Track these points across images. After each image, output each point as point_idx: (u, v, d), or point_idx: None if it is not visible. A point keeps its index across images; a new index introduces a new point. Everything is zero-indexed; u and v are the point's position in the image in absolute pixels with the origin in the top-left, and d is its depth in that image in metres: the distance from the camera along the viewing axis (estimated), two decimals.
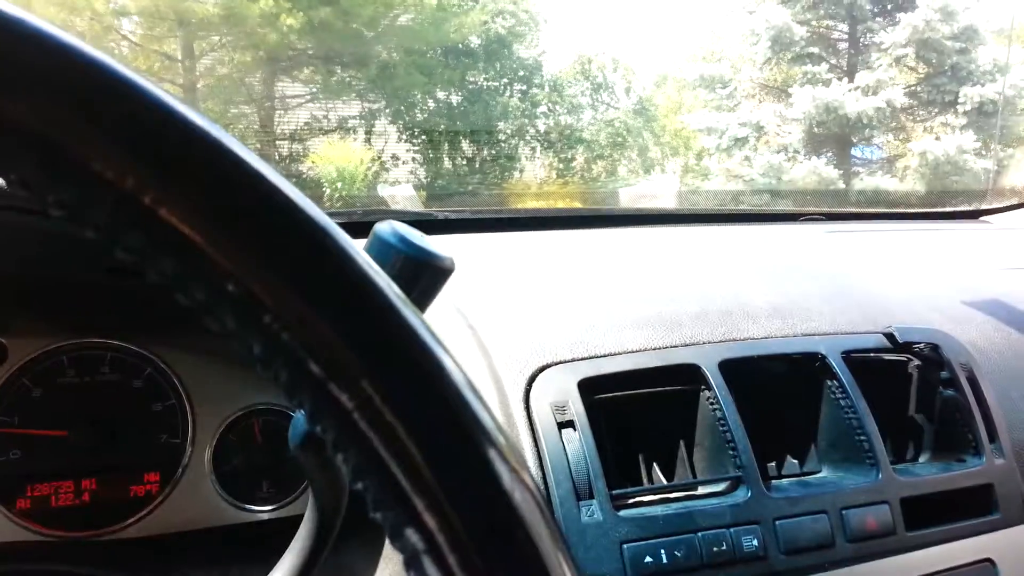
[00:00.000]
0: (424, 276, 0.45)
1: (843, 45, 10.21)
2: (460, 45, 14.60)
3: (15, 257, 0.69)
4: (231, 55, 13.12)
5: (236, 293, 0.23)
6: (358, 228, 1.43)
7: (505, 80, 15.41)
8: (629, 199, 8.61)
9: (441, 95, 15.11)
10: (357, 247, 0.26)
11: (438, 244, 0.46)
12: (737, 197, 9.11)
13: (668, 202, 8.45)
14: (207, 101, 13.08)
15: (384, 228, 0.44)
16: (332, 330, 0.23)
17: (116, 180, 0.23)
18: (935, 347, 0.73)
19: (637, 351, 0.66)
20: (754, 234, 1.28)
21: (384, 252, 0.44)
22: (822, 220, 1.60)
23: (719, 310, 0.73)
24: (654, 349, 0.66)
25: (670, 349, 0.66)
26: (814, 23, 9.97)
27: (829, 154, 9.82)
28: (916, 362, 0.73)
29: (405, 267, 0.43)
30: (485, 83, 15.23)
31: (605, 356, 0.65)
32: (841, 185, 8.97)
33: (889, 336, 0.73)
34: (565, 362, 0.64)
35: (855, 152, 10.22)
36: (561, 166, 16.23)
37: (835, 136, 9.57)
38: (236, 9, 11.06)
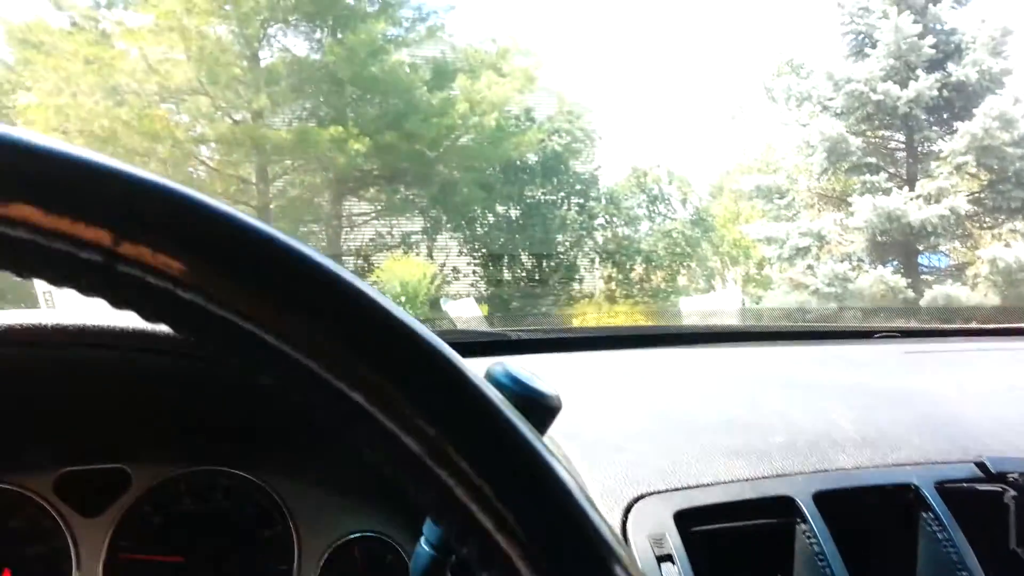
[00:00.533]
0: (534, 414, 0.49)
1: (901, 154, 10.24)
2: (518, 162, 15.06)
3: (143, 392, 0.75)
4: (302, 178, 13.75)
5: (414, 448, 0.28)
6: None
7: (562, 194, 15.75)
8: (692, 311, 8.59)
9: (500, 209, 15.50)
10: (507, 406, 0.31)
11: (544, 383, 0.50)
12: (805, 312, 9.01)
13: (734, 315, 8.38)
14: (279, 221, 13.64)
15: (497, 369, 0.49)
16: (483, 473, 0.28)
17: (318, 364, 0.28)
18: None
19: (730, 482, 0.67)
20: (830, 353, 1.29)
21: (497, 390, 0.48)
22: (897, 337, 1.60)
23: (807, 439, 0.74)
24: (746, 480, 0.68)
25: (762, 480, 0.68)
26: (869, 133, 10.06)
27: (895, 263, 9.71)
28: (1012, 493, 0.73)
29: (515, 404, 0.48)
30: (543, 197, 15.60)
31: (698, 487, 0.66)
32: (910, 293, 8.81)
33: (981, 465, 0.73)
34: (659, 492, 0.66)
35: (922, 260, 10.08)
36: (620, 276, 16.33)
37: (900, 244, 9.48)
38: (307, 135, 11.67)
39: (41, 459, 0.75)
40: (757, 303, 10.29)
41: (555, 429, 0.77)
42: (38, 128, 11.64)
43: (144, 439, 0.79)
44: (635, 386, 0.99)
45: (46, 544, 0.74)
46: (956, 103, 9.51)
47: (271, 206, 13.36)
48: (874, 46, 9.47)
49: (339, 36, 12.50)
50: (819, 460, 0.71)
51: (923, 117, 9.48)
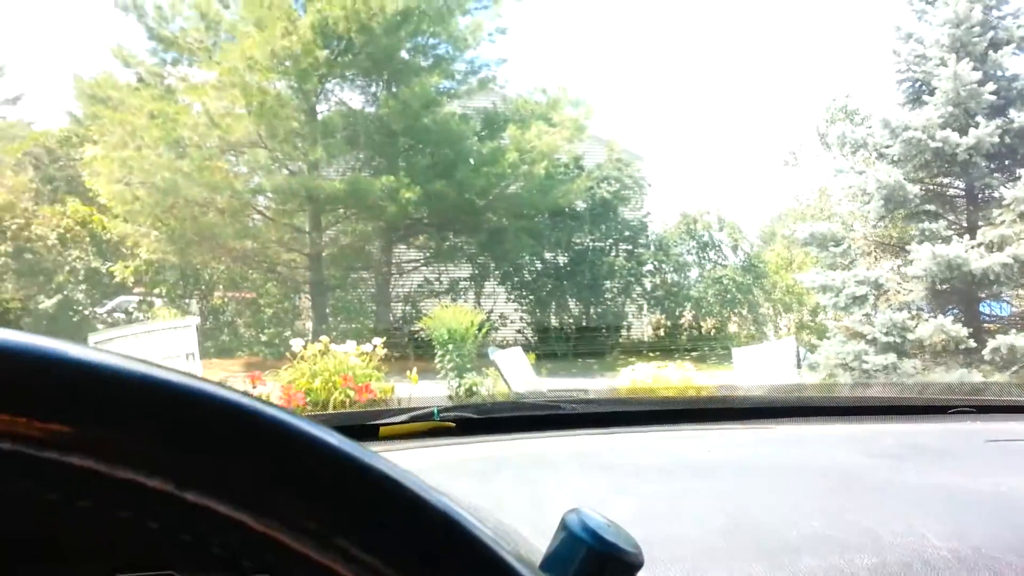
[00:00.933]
0: (612, 571, 0.44)
1: (961, 201, 9.99)
2: (567, 209, 15.12)
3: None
4: (354, 226, 13.98)
5: None
6: (489, 425, 1.43)
7: (611, 241, 15.75)
8: (745, 362, 8.39)
9: (549, 256, 15.55)
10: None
11: (625, 532, 0.45)
12: (864, 367, 8.73)
13: (787, 365, 8.14)
14: (330, 268, 13.87)
15: (573, 520, 0.44)
16: None
17: None
18: None
19: None
20: (906, 438, 1.21)
21: (572, 545, 0.44)
22: (973, 413, 1.51)
23: (897, 561, 0.68)
24: None
25: None
26: (927, 181, 9.84)
27: (956, 311, 9.40)
28: None
29: (592, 560, 0.43)
30: (592, 244, 15.62)
31: None
32: (972, 343, 8.49)
33: None
34: None
35: (983, 309, 9.75)
36: (670, 324, 16.16)
37: (960, 293, 9.19)
38: (360, 185, 11.87)
39: (88, 567, 0.72)
40: (812, 351, 10.01)
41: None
42: (102, 180, 12.07)
43: (192, 544, 0.75)
44: (703, 482, 0.93)
45: None
46: (1019, 150, 9.27)
47: (323, 253, 13.57)
48: (931, 93, 9.30)
49: (393, 90, 12.78)
50: None
51: (983, 164, 9.24)
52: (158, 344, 8.82)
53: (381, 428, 1.27)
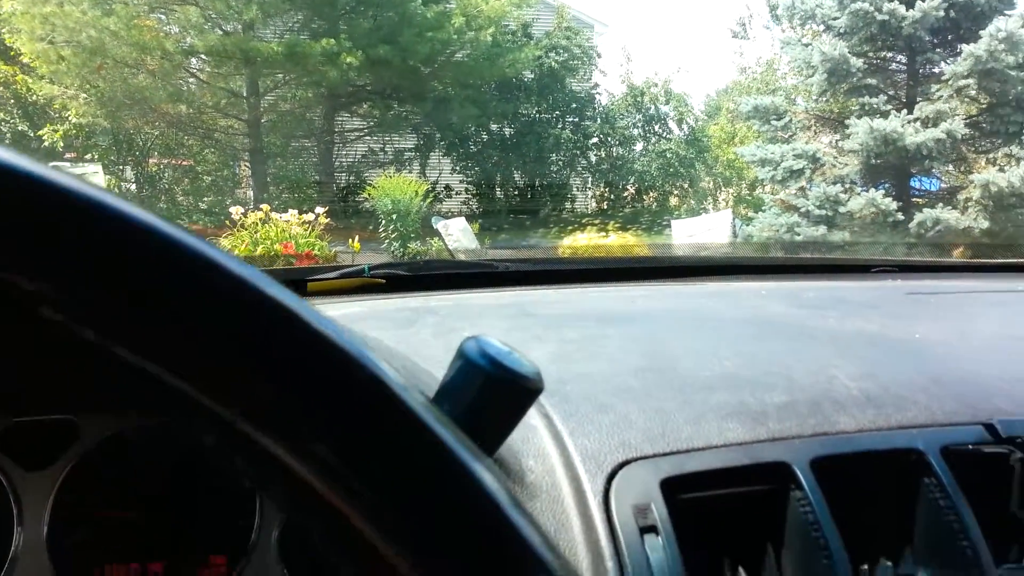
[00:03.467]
0: (510, 396, 0.43)
1: (901, 76, 10.02)
2: (514, 80, 14.80)
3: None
4: (293, 92, 13.47)
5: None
6: (420, 281, 1.41)
7: (557, 113, 15.55)
8: (684, 234, 8.51)
9: (494, 128, 15.30)
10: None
11: (526, 359, 0.44)
12: (795, 239, 8.92)
13: (726, 242, 8.27)
14: (270, 135, 13.42)
15: (470, 346, 0.43)
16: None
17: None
18: None
19: (722, 446, 0.62)
20: (828, 291, 1.24)
21: (469, 371, 0.43)
22: (895, 272, 1.55)
23: (807, 399, 0.69)
24: (740, 444, 0.63)
25: (757, 444, 0.63)
26: (871, 55, 9.81)
27: (887, 186, 9.61)
28: (1019, 455, 0.68)
29: (489, 386, 0.42)
30: (538, 116, 15.40)
31: (688, 451, 0.62)
32: (900, 216, 8.73)
33: (990, 428, 0.68)
34: (646, 457, 0.61)
35: (914, 183, 9.99)
36: (613, 196, 16.24)
37: (893, 167, 9.37)
38: (299, 48, 11.33)
39: None
40: (748, 223, 10.18)
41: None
42: (24, 38, 11.29)
43: (93, 384, 0.73)
44: (624, 328, 0.94)
45: None
46: (963, 24, 9.26)
47: (262, 120, 13.10)
48: None
49: None
50: (819, 422, 0.66)
51: (927, 39, 9.23)
52: None
53: (309, 283, 1.25)
